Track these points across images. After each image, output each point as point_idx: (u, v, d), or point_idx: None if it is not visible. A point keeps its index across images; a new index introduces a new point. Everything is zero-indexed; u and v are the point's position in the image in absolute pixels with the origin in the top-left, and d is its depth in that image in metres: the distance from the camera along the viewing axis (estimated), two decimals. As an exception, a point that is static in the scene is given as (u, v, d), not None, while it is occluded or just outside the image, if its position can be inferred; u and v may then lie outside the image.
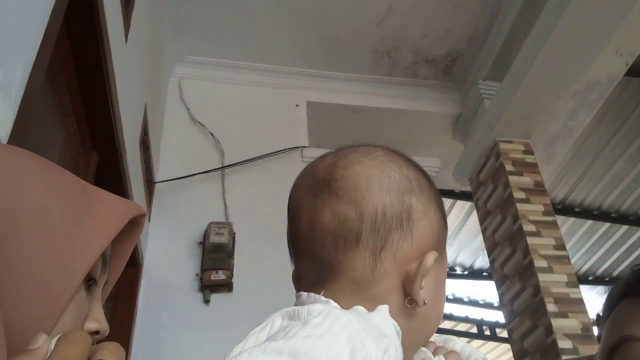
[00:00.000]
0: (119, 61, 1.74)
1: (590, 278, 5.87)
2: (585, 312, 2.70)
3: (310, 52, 3.50)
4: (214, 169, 2.98)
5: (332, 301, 0.50)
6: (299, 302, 0.52)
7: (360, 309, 0.47)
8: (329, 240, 0.53)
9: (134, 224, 0.58)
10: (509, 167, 3.15)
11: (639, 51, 2.91)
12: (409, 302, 0.51)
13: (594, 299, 5.93)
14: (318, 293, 0.51)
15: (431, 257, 0.52)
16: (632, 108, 3.97)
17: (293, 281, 0.58)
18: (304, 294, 0.53)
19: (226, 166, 3.01)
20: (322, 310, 0.44)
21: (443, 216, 0.57)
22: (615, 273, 5.82)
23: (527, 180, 3.13)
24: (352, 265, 0.52)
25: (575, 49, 2.76)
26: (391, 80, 3.69)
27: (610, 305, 0.76)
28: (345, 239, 0.52)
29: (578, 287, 2.81)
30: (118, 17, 1.77)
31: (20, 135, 1.00)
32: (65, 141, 1.61)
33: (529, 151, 3.26)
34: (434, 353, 0.56)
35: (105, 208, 0.51)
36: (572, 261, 4.66)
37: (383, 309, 0.48)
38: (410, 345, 0.51)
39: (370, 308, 0.48)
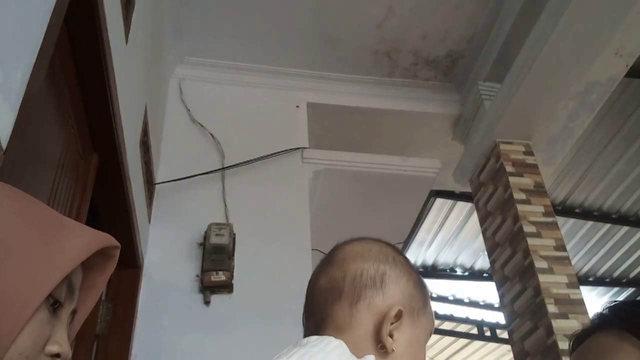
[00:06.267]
0: (119, 62, 1.74)
1: (590, 279, 5.87)
2: (585, 313, 2.69)
3: (311, 53, 3.50)
4: (214, 170, 2.98)
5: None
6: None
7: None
8: (322, 297, 0.70)
9: (108, 257, 0.61)
10: (509, 168, 3.14)
11: (639, 52, 2.91)
12: (380, 347, 0.64)
13: (595, 300, 5.93)
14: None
15: (395, 309, 0.65)
16: (632, 109, 3.97)
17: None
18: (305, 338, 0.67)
19: (226, 167, 3.01)
20: (317, 337, 0.61)
21: (418, 289, 0.71)
22: (616, 274, 5.82)
23: (527, 181, 3.13)
24: (336, 314, 0.67)
25: (576, 49, 2.76)
26: (391, 82, 3.69)
27: (577, 342, 0.77)
28: (333, 294, 0.69)
29: (578, 288, 2.80)
30: (118, 18, 1.77)
31: (20, 137, 1.00)
32: (65, 142, 1.61)
33: (529, 152, 3.26)
34: None
35: (73, 236, 0.53)
36: (573, 262, 4.65)
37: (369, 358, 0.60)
38: None
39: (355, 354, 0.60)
